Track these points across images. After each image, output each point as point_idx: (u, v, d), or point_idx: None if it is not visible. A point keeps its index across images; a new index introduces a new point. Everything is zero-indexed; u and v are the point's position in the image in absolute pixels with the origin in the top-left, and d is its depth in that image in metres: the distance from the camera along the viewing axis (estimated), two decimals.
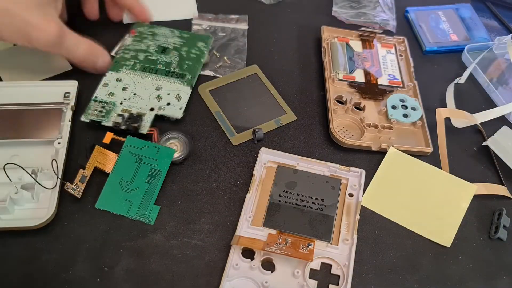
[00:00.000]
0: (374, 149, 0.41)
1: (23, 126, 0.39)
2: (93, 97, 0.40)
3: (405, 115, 0.42)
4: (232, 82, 0.45)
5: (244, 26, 0.50)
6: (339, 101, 0.44)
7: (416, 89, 0.45)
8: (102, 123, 0.39)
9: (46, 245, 0.34)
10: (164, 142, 0.39)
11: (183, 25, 0.49)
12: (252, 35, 0.49)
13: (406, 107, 0.43)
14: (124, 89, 0.41)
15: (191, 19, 0.49)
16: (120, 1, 0.46)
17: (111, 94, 0.41)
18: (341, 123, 0.42)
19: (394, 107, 0.43)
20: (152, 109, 0.40)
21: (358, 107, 0.43)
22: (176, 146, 0.39)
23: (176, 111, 0.40)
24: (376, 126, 0.42)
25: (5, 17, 0.36)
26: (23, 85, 0.41)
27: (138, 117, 0.39)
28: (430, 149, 0.41)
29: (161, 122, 0.40)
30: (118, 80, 0.42)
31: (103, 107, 0.40)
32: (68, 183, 0.36)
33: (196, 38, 0.46)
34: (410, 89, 0.45)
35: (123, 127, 0.39)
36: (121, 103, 0.40)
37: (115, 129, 0.39)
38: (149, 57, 0.44)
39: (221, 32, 0.49)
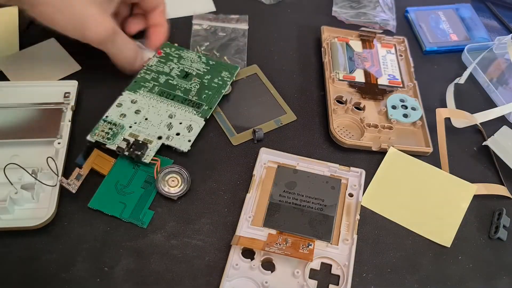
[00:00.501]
0: (374, 149, 0.41)
1: (23, 126, 0.39)
2: (104, 117, 0.39)
3: (405, 115, 0.42)
4: (232, 82, 0.45)
5: (244, 26, 0.50)
6: (339, 101, 0.44)
7: (416, 89, 0.45)
8: (107, 146, 0.38)
9: (46, 245, 0.34)
10: (163, 176, 0.37)
11: (183, 25, 0.49)
12: (252, 35, 0.49)
13: (406, 107, 0.43)
14: (137, 112, 0.40)
15: (191, 18, 0.49)
16: (151, 18, 0.44)
17: (123, 115, 0.39)
18: (341, 123, 0.42)
19: (394, 107, 0.43)
20: (160, 138, 0.39)
21: (358, 107, 0.43)
22: (175, 181, 0.37)
23: (183, 143, 0.39)
24: (376, 126, 0.42)
25: (65, 6, 0.36)
26: (23, 85, 0.41)
27: (143, 145, 0.38)
28: (430, 149, 0.41)
29: (166, 148, 0.39)
30: (133, 101, 0.40)
31: (110, 128, 0.38)
32: (63, 178, 0.36)
33: (221, 66, 0.44)
34: (410, 89, 0.45)
35: (126, 153, 0.37)
36: (130, 127, 0.39)
37: (117, 153, 0.38)
38: (170, 81, 0.42)
39: (221, 32, 0.49)
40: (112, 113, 0.40)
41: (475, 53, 0.48)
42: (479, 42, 0.50)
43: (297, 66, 0.47)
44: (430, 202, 0.38)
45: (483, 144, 0.42)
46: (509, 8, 0.55)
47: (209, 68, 0.44)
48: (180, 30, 0.48)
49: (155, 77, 0.43)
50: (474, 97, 0.47)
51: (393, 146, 0.40)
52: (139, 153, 0.37)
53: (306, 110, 0.44)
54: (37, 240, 0.34)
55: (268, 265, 0.34)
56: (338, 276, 0.34)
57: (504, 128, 0.43)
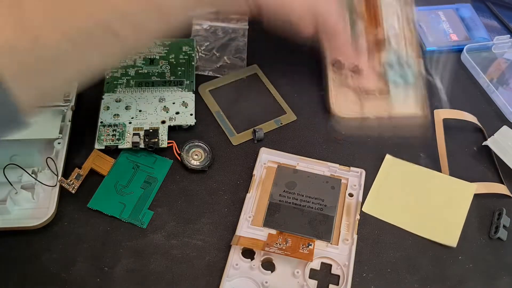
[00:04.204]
0: (372, 117, 0.41)
1: None
2: (99, 123, 0.39)
3: (402, 76, 0.43)
4: (232, 82, 0.45)
5: (244, 26, 0.50)
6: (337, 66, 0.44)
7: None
8: (119, 147, 0.38)
9: (46, 245, 0.34)
10: (187, 152, 0.38)
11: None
12: (252, 35, 0.49)
13: (402, 66, 0.43)
14: (127, 108, 0.40)
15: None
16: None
17: (116, 115, 0.40)
18: (340, 98, 0.43)
19: (390, 66, 0.43)
20: (163, 122, 0.39)
21: (356, 71, 0.43)
22: (198, 154, 0.39)
23: (188, 119, 0.40)
24: (374, 93, 0.42)
25: None
26: None
27: (155, 132, 0.38)
28: (426, 114, 0.42)
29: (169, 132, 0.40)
30: (118, 100, 0.41)
31: (114, 130, 0.39)
32: (62, 178, 0.36)
33: (179, 43, 0.46)
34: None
35: (142, 146, 0.38)
36: (130, 123, 0.39)
37: (133, 149, 0.38)
38: (140, 71, 0.43)
39: (221, 32, 0.49)
40: (105, 117, 0.40)
41: (475, 53, 0.48)
42: (479, 42, 0.50)
43: (297, 66, 0.47)
44: (431, 204, 0.38)
45: (483, 144, 0.42)
46: (509, 8, 0.55)
47: (168, 48, 0.45)
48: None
49: (124, 72, 0.43)
50: (474, 97, 0.47)
51: (390, 113, 0.41)
52: (156, 140, 0.38)
53: (306, 110, 0.44)
54: (37, 240, 0.34)
55: (268, 265, 0.34)
56: (338, 276, 0.34)
57: (504, 128, 0.42)
